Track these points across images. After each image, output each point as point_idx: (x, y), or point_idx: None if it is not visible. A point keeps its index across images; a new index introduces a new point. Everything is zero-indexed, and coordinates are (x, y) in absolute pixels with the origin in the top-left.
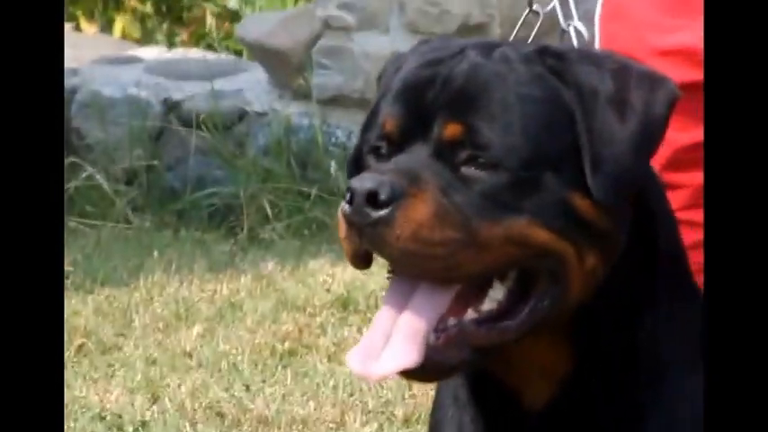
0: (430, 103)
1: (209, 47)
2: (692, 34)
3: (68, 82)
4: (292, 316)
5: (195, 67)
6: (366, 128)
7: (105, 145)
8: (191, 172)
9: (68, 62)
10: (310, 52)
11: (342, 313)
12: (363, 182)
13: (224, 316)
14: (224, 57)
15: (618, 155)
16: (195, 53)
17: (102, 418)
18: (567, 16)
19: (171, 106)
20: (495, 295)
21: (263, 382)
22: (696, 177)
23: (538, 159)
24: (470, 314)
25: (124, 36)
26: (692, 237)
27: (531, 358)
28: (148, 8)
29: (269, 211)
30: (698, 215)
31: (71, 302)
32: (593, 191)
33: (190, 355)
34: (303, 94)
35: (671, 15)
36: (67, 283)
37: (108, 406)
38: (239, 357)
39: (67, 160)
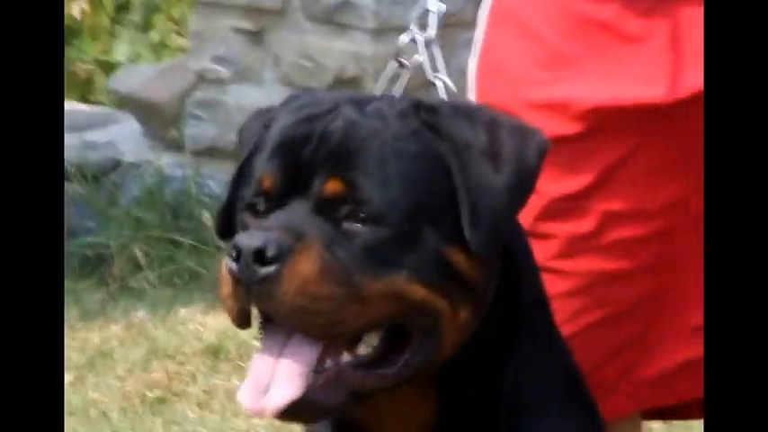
0: (308, 160)
1: (83, 98)
2: (566, 87)
3: None
4: (162, 364)
5: (68, 118)
6: (237, 184)
7: None
8: (66, 219)
9: None
10: (184, 104)
11: (213, 361)
12: (250, 239)
13: (94, 364)
14: (97, 108)
15: (494, 206)
16: (69, 104)
17: None
18: (435, 70)
19: None
20: (371, 340)
21: (132, 429)
22: (567, 227)
23: (417, 213)
24: (346, 357)
25: None
26: (562, 286)
27: (396, 406)
28: None
29: (141, 260)
30: (568, 264)
31: None
32: (472, 243)
33: None
34: (176, 146)
35: (546, 69)
36: None
37: None
38: (109, 405)
39: None
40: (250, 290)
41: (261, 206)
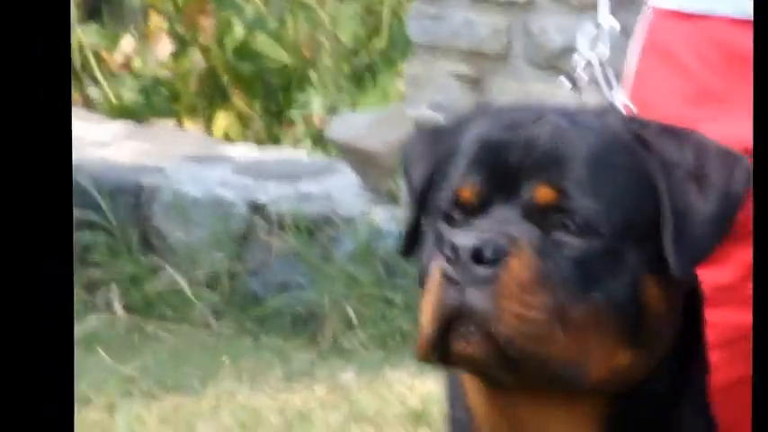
0: (515, 166)
1: (315, 146)
2: (718, 126)
3: (152, 180)
4: (361, 428)
5: (284, 168)
6: (423, 198)
7: (188, 247)
8: (274, 277)
9: (153, 160)
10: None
11: (414, 426)
12: (467, 239)
13: (292, 427)
14: (315, 158)
15: (699, 231)
16: (286, 153)
17: None
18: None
19: (256, 208)
20: None
21: None
22: (710, 276)
23: (626, 229)
24: None
25: (226, 135)
26: None
27: None
28: (257, 108)
29: (354, 319)
30: (711, 315)
31: (134, 409)
32: (673, 264)
33: None
34: (393, 198)
35: (697, 106)
36: (133, 388)
37: None
38: None
39: (148, 260)
40: (464, 291)
41: (459, 215)
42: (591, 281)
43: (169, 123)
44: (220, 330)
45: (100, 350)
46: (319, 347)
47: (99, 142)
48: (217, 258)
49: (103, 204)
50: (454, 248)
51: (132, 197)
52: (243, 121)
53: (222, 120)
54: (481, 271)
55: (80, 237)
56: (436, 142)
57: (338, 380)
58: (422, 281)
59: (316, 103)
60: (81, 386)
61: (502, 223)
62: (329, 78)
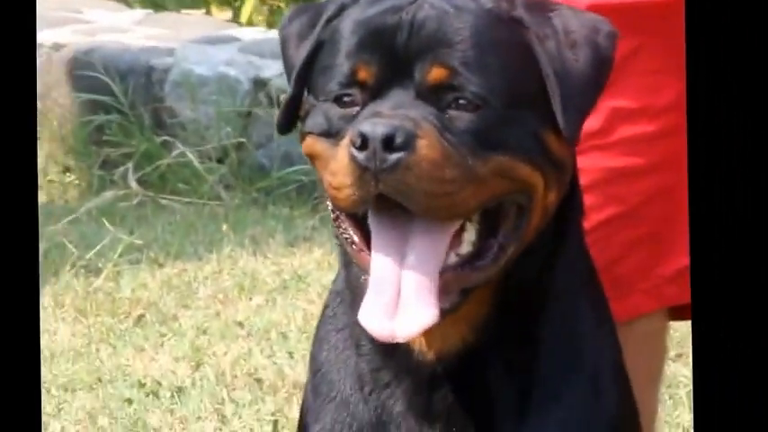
0: (404, 49)
1: None
2: None
3: (162, 61)
4: None
5: None
6: (302, 78)
7: (197, 123)
8: (279, 149)
9: (167, 43)
10: None
11: None
12: (376, 127)
13: (287, 288)
14: None
15: (580, 92)
16: None
17: (142, 385)
18: None
19: (260, 85)
20: (469, 237)
21: (307, 350)
22: None
23: (517, 98)
24: (453, 257)
25: (251, 23)
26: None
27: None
28: None
29: None
30: (579, 162)
31: (140, 276)
32: (564, 127)
33: (242, 325)
34: None
35: None
36: (141, 257)
37: (150, 373)
38: (290, 326)
39: (160, 138)
40: (378, 178)
41: (355, 97)
42: (491, 145)
43: (197, 12)
44: (229, 202)
45: (105, 222)
46: (322, 215)
47: (114, 28)
48: (224, 133)
49: (116, 86)
50: (363, 136)
51: (144, 78)
52: (269, 7)
53: (248, 6)
54: (393, 157)
55: (95, 118)
56: (313, 23)
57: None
58: (312, 157)
59: None
60: (90, 256)
61: (399, 106)
62: None
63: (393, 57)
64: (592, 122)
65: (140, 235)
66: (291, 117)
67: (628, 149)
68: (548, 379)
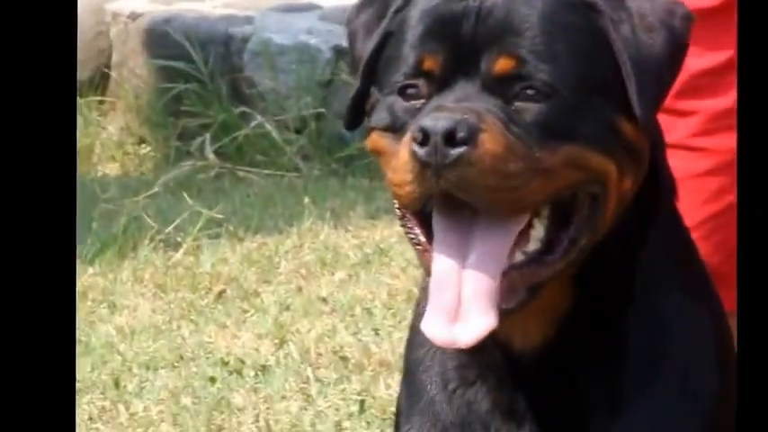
0: (470, 38)
1: None
2: None
3: (241, 30)
4: None
5: None
6: (369, 72)
7: (276, 93)
8: None
9: (245, 10)
10: None
11: None
12: (437, 121)
13: (370, 262)
14: None
15: (656, 77)
16: None
17: (225, 363)
18: None
19: (341, 53)
20: (537, 234)
21: (393, 327)
22: (708, 104)
23: (587, 86)
24: (519, 256)
25: None
26: (703, 164)
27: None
28: None
29: None
30: (709, 142)
31: (220, 250)
32: (640, 113)
33: (325, 301)
34: None
35: None
36: (221, 231)
37: (233, 351)
38: (374, 302)
39: (238, 109)
40: (439, 174)
41: (422, 89)
42: (561, 135)
43: None
44: (308, 173)
45: (185, 195)
46: None
47: None
48: (304, 103)
49: (195, 55)
50: (424, 131)
51: (222, 47)
52: None
53: None
54: (455, 152)
55: (173, 86)
56: (381, 15)
57: None
58: (376, 154)
59: None
60: (169, 230)
61: (464, 98)
62: None
63: (459, 46)
64: (724, 100)
65: (219, 209)
66: (358, 112)
67: None
68: (637, 374)
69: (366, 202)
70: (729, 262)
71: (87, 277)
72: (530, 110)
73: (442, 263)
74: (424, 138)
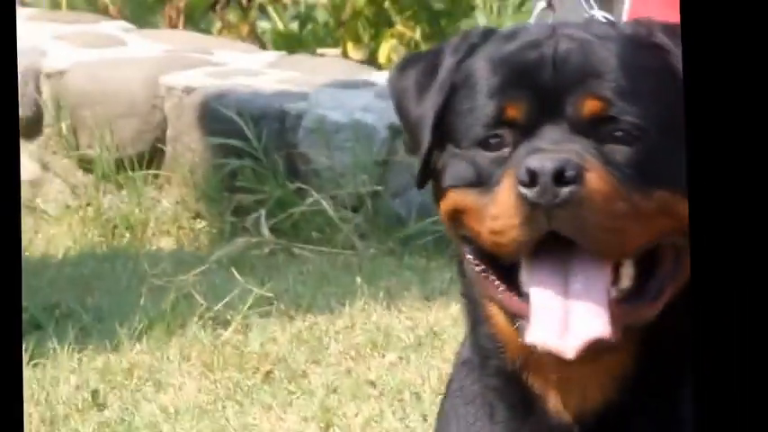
0: (551, 84)
1: None
2: None
3: (296, 106)
4: None
5: None
6: (436, 126)
7: (331, 171)
8: (416, 199)
9: (300, 87)
10: None
11: None
12: (544, 162)
13: (422, 344)
14: None
15: None
16: None
17: None
18: (590, 6)
19: (397, 132)
20: (628, 272)
21: None
22: None
23: (669, 127)
24: (614, 292)
25: (389, 62)
26: None
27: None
28: (417, 34)
29: None
30: None
31: (270, 329)
32: None
33: (373, 384)
34: None
35: None
36: (271, 309)
37: None
38: (424, 387)
39: (293, 185)
40: (550, 214)
41: (507, 137)
42: (653, 179)
43: (333, 52)
44: (364, 252)
45: (234, 271)
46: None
47: (246, 71)
48: (360, 181)
49: (249, 131)
50: (531, 172)
51: (277, 123)
52: (407, 47)
53: (386, 47)
54: (565, 191)
55: (228, 161)
56: (431, 71)
57: None
58: (457, 213)
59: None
60: (219, 307)
61: (557, 141)
62: (494, 1)
63: (541, 92)
64: None
65: (271, 286)
66: (429, 171)
67: None
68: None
69: (421, 283)
70: None
71: (134, 354)
72: (621, 151)
73: (543, 293)
74: (532, 179)
